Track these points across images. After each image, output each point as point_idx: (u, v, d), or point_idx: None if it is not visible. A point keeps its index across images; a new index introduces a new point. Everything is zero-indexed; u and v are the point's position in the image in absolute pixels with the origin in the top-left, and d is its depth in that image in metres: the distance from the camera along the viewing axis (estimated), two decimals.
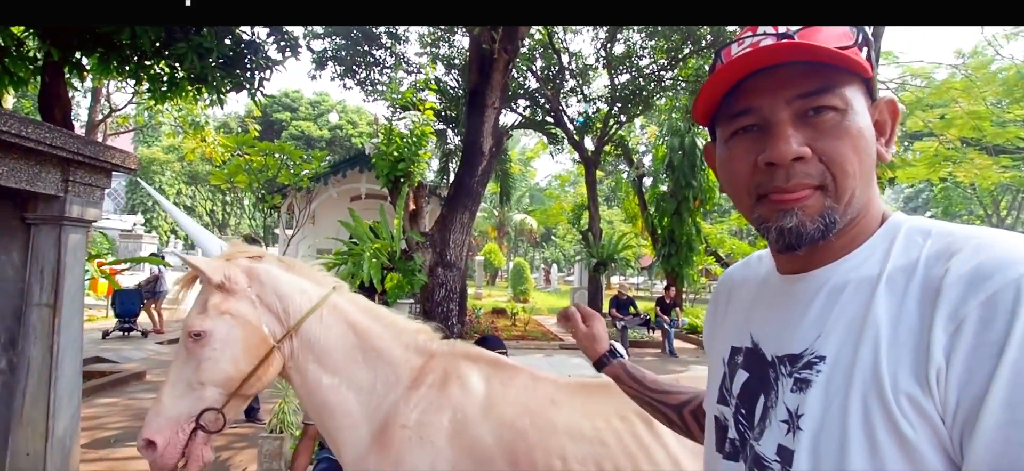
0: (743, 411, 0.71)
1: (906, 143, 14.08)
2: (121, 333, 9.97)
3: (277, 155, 9.05)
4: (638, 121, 15.03)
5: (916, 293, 0.58)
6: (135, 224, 22.88)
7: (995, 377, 0.50)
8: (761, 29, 0.66)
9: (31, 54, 5.47)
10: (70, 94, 5.54)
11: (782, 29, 0.65)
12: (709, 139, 0.79)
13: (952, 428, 0.53)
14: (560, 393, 1.57)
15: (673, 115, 12.47)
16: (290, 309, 1.52)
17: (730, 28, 10.11)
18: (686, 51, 11.38)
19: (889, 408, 0.55)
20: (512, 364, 1.66)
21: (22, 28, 5.27)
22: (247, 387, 1.47)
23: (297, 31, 6.68)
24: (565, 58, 12.11)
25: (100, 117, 13.51)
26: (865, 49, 0.65)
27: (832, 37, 0.64)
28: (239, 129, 21.30)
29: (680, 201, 12.22)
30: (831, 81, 0.63)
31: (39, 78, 5.28)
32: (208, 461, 1.45)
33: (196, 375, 1.42)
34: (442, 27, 12.07)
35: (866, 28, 0.66)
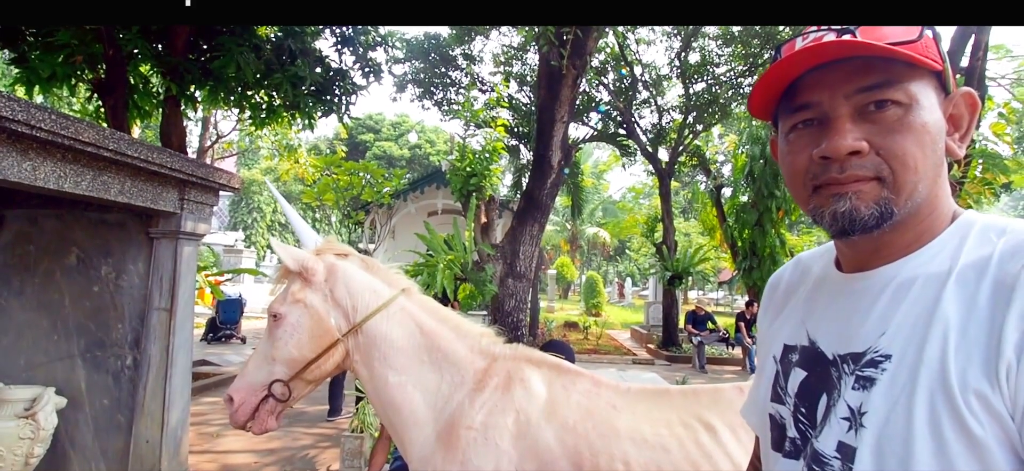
0: (803, 410, 0.70)
1: None
2: (223, 339, 11.09)
3: (361, 174, 9.66)
4: (716, 130, 14.48)
5: (988, 289, 0.57)
6: (236, 240, 25.06)
7: None
8: (825, 27, 0.66)
9: (154, 90, 6.25)
10: (184, 123, 6.23)
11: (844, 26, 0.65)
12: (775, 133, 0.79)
13: (1021, 425, 0.52)
14: (622, 399, 1.55)
15: (753, 122, 11.93)
16: (358, 306, 1.62)
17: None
18: (766, 56, 10.88)
19: (957, 406, 0.54)
20: (574, 369, 1.66)
21: (148, 67, 6.01)
22: (309, 372, 1.59)
23: (379, 57, 7.08)
24: (637, 69, 11.93)
25: (208, 143, 14.98)
26: (932, 43, 0.64)
27: (895, 33, 0.63)
28: (328, 150, 22.80)
29: (762, 212, 11.60)
30: (893, 75, 0.63)
31: (160, 110, 6.02)
32: (271, 429, 1.61)
33: (271, 351, 1.59)
34: (515, 46, 12.31)
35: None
